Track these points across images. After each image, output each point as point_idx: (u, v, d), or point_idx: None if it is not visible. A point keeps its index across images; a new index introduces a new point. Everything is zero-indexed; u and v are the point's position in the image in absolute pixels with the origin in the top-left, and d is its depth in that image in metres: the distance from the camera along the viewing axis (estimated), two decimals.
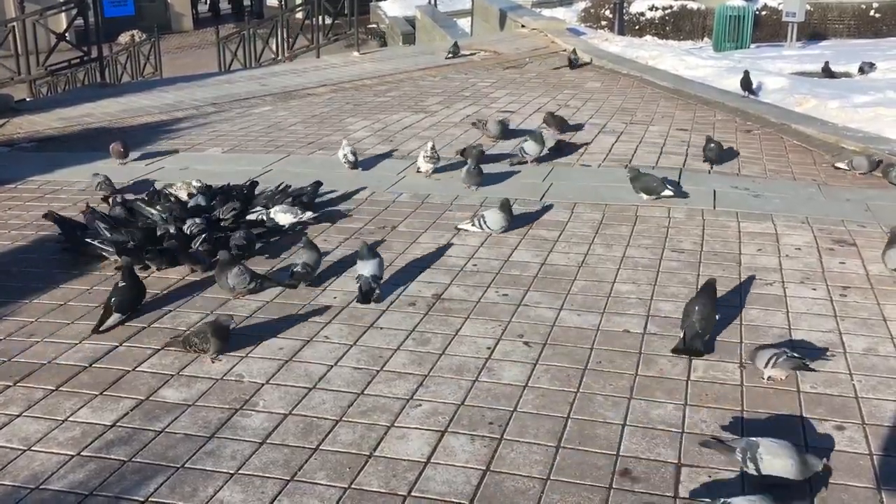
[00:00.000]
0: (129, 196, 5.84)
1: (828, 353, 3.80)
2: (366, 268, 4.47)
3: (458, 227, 5.37)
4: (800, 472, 2.87)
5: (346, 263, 4.89)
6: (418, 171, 6.50)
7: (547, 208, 5.76)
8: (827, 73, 13.02)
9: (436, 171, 6.44)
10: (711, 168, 6.67)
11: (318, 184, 5.86)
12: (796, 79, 11.85)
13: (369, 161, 7.02)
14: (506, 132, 7.57)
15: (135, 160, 7.13)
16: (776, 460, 2.87)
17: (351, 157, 6.69)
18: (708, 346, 3.85)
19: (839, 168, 6.64)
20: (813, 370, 3.59)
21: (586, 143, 7.39)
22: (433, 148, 6.39)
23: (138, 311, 4.30)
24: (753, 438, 2.98)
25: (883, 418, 3.32)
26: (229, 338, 3.85)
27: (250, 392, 3.58)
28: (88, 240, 4.98)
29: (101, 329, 4.12)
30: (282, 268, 4.85)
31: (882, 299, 4.34)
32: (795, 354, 3.56)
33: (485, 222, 5.25)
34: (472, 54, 12.70)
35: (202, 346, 3.79)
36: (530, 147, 6.64)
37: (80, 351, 3.94)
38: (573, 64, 11.44)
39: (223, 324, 3.84)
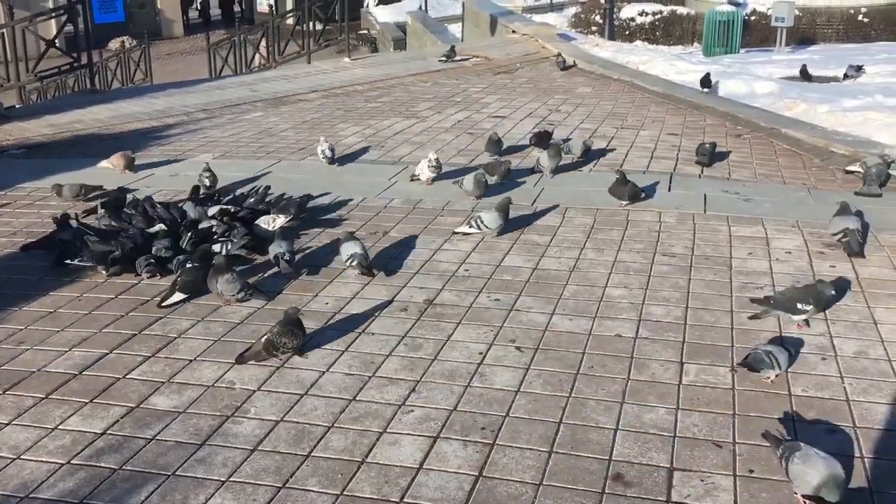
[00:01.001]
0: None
1: (820, 357, 3.81)
2: (355, 247, 4.77)
3: (456, 231, 5.36)
4: (816, 489, 2.80)
5: (335, 270, 4.88)
6: (414, 179, 6.41)
7: (538, 213, 5.76)
8: (804, 76, 13.10)
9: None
10: (703, 170, 6.69)
11: (308, 197, 5.85)
12: (786, 83, 11.91)
13: (360, 166, 7.02)
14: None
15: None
16: (803, 469, 2.84)
17: (328, 153, 6.69)
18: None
19: (851, 172, 6.51)
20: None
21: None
22: (437, 158, 6.27)
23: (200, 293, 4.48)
24: (801, 444, 2.94)
25: (874, 421, 3.33)
26: None
27: (241, 399, 3.56)
28: (67, 260, 4.90)
29: (163, 304, 4.40)
30: (271, 274, 4.83)
31: (872, 302, 4.36)
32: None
33: (482, 222, 5.23)
34: (463, 59, 12.72)
35: (294, 343, 3.81)
36: (544, 160, 6.47)
37: (70, 359, 3.92)
38: (563, 66, 11.73)
39: (297, 316, 3.86)
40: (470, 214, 5.48)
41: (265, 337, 3.82)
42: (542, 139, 7.24)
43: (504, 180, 6.28)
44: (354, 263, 4.75)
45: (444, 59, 12.51)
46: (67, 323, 4.29)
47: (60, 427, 3.38)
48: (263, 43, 16.20)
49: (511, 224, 5.46)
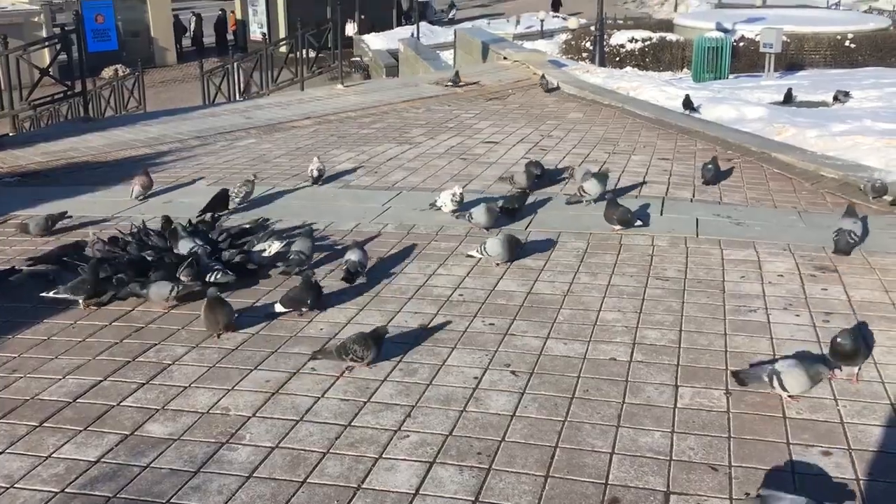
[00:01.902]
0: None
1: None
2: (354, 255, 5.02)
3: (469, 254, 5.40)
4: (810, 383, 3.56)
5: (330, 295, 4.89)
6: (433, 207, 6.23)
7: (532, 238, 5.78)
8: (787, 100, 13.30)
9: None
10: (694, 194, 6.74)
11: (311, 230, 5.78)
12: (775, 108, 12.03)
13: (354, 192, 7.04)
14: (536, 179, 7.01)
15: (118, 193, 7.12)
16: (793, 379, 3.52)
17: (314, 173, 6.64)
18: None
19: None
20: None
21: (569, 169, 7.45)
22: (462, 193, 6.12)
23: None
24: (777, 365, 3.62)
25: (868, 443, 3.34)
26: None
27: (236, 425, 3.55)
28: (43, 293, 4.83)
29: (270, 313, 4.59)
30: (266, 301, 4.84)
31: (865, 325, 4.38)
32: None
33: (484, 249, 5.23)
34: (466, 84, 12.88)
35: (362, 354, 3.90)
36: (590, 186, 6.37)
37: (64, 386, 3.91)
38: (546, 87, 12.11)
39: (382, 332, 3.99)
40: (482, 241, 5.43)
41: (341, 340, 4.02)
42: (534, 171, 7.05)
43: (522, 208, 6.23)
44: (343, 267, 5.05)
45: (450, 83, 12.79)
46: (61, 350, 4.27)
47: (54, 455, 3.36)
48: (240, 76, 16.33)
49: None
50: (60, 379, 3.97)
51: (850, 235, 5.35)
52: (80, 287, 4.76)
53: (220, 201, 6.41)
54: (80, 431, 3.52)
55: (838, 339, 3.78)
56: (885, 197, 6.39)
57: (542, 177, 7.04)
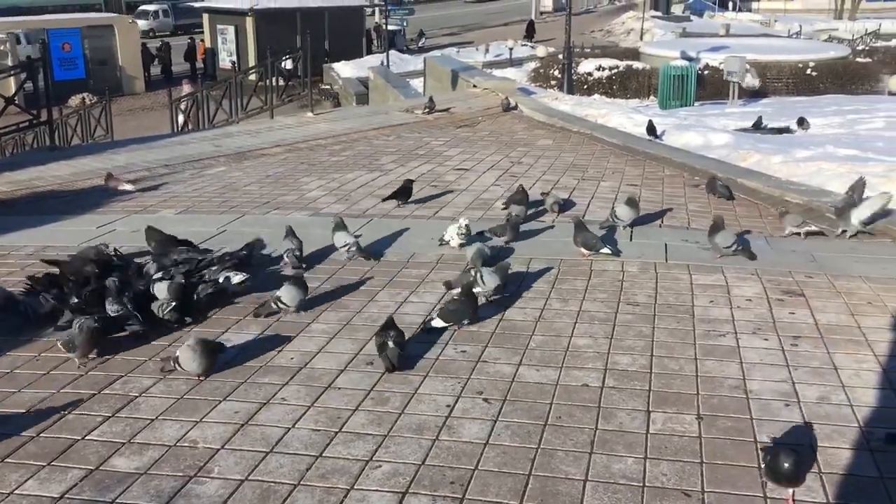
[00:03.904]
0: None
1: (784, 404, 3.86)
2: (349, 237, 5.75)
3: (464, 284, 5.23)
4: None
5: (300, 324, 4.85)
6: (443, 244, 6.08)
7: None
8: (758, 126, 13.56)
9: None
10: (662, 221, 6.81)
11: (254, 245, 5.79)
12: (740, 135, 12.24)
13: (324, 220, 7.01)
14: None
15: (85, 222, 7.03)
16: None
17: (293, 260, 5.73)
18: None
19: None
20: None
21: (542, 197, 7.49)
22: (468, 225, 6.04)
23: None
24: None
25: (839, 467, 3.36)
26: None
27: (205, 458, 3.49)
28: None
29: (429, 328, 4.68)
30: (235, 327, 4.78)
31: (832, 348, 4.43)
32: None
33: (482, 280, 5.08)
34: (442, 110, 12.98)
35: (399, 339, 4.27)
36: (623, 212, 6.38)
37: (27, 421, 3.81)
38: (506, 107, 12.85)
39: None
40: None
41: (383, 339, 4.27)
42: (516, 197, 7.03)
43: (514, 239, 6.19)
44: (353, 250, 5.72)
45: (427, 110, 12.88)
46: (24, 384, 4.18)
47: (17, 492, 3.27)
48: (229, 99, 16.24)
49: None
50: (24, 413, 3.88)
51: (737, 245, 5.77)
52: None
53: (404, 191, 7.26)
54: (44, 467, 3.44)
55: (778, 459, 3.03)
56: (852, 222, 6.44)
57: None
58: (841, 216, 6.41)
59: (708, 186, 7.72)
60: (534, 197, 7.24)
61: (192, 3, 43.32)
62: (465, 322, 4.72)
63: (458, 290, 4.97)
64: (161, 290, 4.94)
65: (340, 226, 5.95)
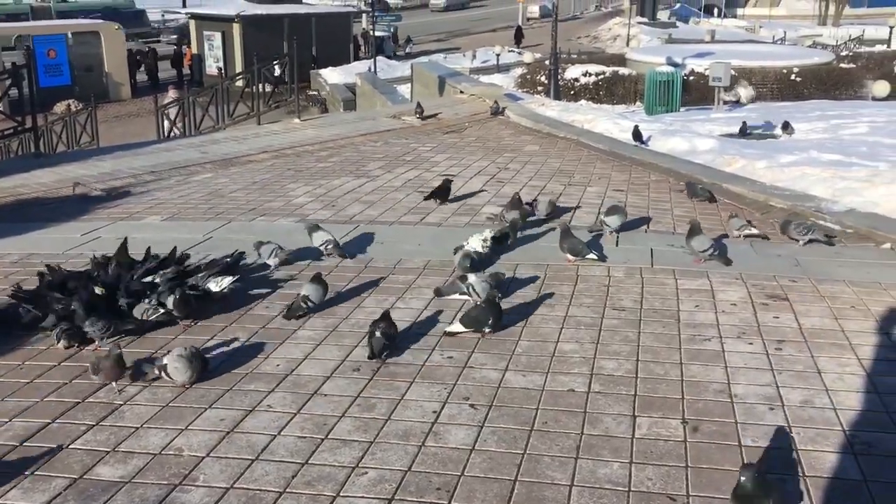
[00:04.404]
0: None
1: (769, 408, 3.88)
2: (327, 235, 6.02)
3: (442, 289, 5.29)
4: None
5: (287, 331, 4.84)
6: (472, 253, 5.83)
7: (487, 270, 5.79)
8: (742, 132, 13.63)
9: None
10: (648, 226, 6.84)
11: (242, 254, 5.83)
12: (725, 140, 12.30)
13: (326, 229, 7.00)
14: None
15: (69, 230, 6.99)
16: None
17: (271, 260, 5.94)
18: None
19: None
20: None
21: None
22: (493, 237, 5.91)
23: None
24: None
25: (823, 470, 3.38)
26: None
27: (190, 466, 3.47)
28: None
29: (447, 330, 4.70)
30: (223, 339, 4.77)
31: (816, 352, 4.46)
32: None
33: (473, 290, 5.08)
34: (430, 115, 13.01)
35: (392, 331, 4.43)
36: (610, 218, 6.47)
37: (10, 429, 3.79)
38: (495, 111, 13.06)
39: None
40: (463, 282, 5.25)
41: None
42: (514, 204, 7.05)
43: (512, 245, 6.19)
44: (331, 247, 5.96)
45: (418, 115, 12.89)
46: (7, 392, 4.15)
47: (1, 501, 3.24)
48: (215, 105, 16.18)
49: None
50: (7, 422, 3.85)
51: (713, 250, 5.82)
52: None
53: (443, 191, 7.49)
54: (27, 476, 3.41)
55: (741, 479, 2.96)
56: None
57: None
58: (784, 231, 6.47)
59: (688, 191, 7.78)
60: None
61: (180, 11, 43.22)
62: (487, 329, 4.69)
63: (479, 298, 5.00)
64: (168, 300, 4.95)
65: (316, 227, 6.22)
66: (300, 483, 3.34)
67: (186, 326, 4.88)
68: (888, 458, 3.45)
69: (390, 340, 4.41)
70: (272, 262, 5.83)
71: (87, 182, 8.62)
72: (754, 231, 6.50)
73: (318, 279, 5.17)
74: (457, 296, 5.18)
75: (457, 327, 4.71)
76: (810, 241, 6.25)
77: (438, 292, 5.26)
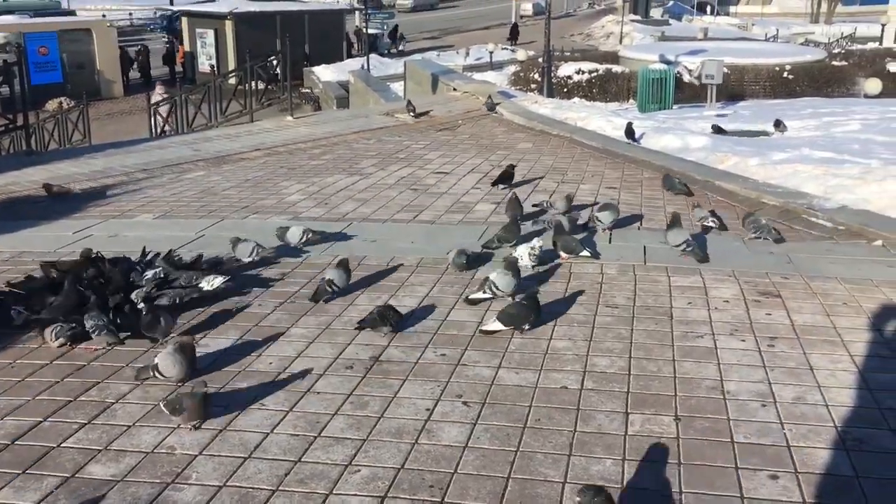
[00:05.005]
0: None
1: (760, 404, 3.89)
2: (298, 232, 6.14)
3: (470, 298, 5.16)
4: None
5: (279, 329, 4.83)
6: (519, 261, 5.50)
7: (480, 267, 5.80)
8: (717, 130, 13.68)
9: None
10: (641, 222, 6.85)
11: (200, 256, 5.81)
12: (718, 137, 12.33)
13: (305, 224, 6.98)
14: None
15: (61, 227, 6.96)
16: None
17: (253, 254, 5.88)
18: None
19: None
20: None
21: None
22: (541, 247, 5.68)
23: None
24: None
25: (815, 466, 3.39)
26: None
27: (183, 464, 3.46)
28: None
29: (483, 328, 4.69)
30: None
31: (808, 349, 4.47)
32: None
33: (496, 287, 5.03)
34: (423, 113, 13.00)
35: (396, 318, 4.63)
36: (604, 216, 6.46)
37: (2, 428, 3.77)
38: (490, 107, 13.11)
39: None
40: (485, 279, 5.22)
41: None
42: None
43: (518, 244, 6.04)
44: (309, 235, 6.13)
45: (411, 112, 12.90)
46: None
47: None
48: (208, 103, 16.14)
49: (455, 279, 5.49)
50: None
51: (696, 243, 5.91)
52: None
53: (508, 176, 8.03)
54: (18, 475, 3.40)
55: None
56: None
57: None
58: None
59: (664, 183, 7.82)
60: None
61: (168, 9, 43.08)
62: (526, 327, 4.66)
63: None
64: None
65: (286, 228, 6.32)
66: (293, 481, 3.34)
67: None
68: (880, 455, 3.46)
69: (382, 318, 4.60)
70: (247, 260, 5.80)
71: (66, 180, 8.59)
72: (709, 223, 6.58)
73: (342, 264, 5.27)
74: (480, 295, 5.11)
75: (494, 325, 4.64)
76: (757, 237, 6.34)
77: (471, 301, 5.13)
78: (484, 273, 5.60)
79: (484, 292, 5.10)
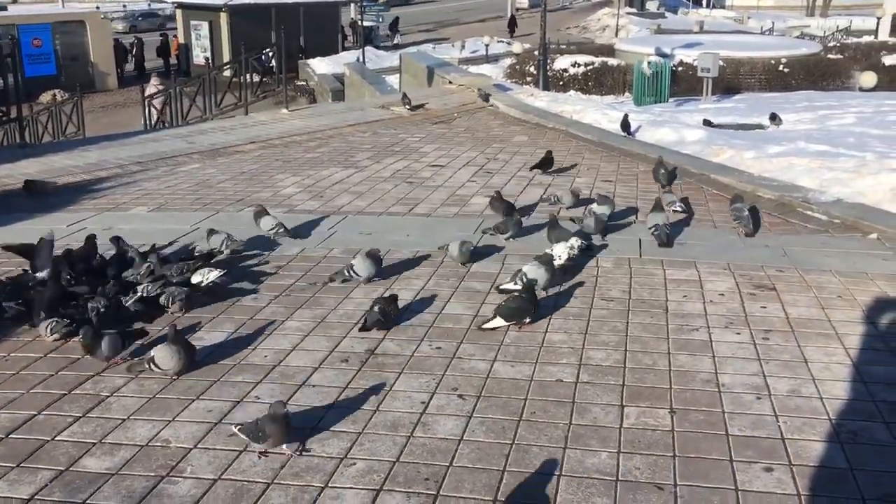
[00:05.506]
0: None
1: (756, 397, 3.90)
2: (273, 220, 6.21)
3: (501, 287, 5.17)
4: None
5: (275, 322, 4.82)
6: (556, 260, 5.39)
7: (477, 261, 5.79)
8: (706, 123, 13.64)
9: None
10: (636, 216, 6.85)
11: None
12: (713, 130, 12.31)
13: (300, 217, 6.98)
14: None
15: (55, 220, 6.94)
16: None
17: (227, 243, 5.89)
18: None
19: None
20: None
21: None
22: (579, 247, 5.60)
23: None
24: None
25: (809, 458, 3.40)
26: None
27: (177, 457, 3.46)
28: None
29: (484, 327, 4.59)
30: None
31: (802, 342, 4.48)
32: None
33: (528, 279, 4.99)
34: (418, 105, 12.98)
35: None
36: (599, 208, 6.45)
37: None
38: (485, 98, 13.29)
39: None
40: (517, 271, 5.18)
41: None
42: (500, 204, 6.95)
43: (516, 236, 6.15)
44: (281, 231, 6.14)
45: (407, 105, 12.86)
46: None
47: None
48: (202, 96, 16.07)
49: (450, 273, 5.49)
50: None
51: (665, 228, 6.02)
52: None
53: (547, 161, 8.35)
54: (13, 468, 3.39)
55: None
56: None
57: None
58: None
59: (654, 174, 7.92)
60: (530, 200, 7.23)
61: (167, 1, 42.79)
62: (527, 320, 4.66)
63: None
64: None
65: (263, 213, 6.37)
66: (288, 474, 3.33)
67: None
68: (874, 447, 3.47)
69: (385, 317, 4.59)
70: (224, 249, 5.82)
71: (60, 173, 8.55)
72: (676, 209, 6.69)
73: (371, 254, 5.35)
74: (511, 286, 5.08)
75: (496, 322, 4.60)
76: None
77: (501, 291, 5.13)
78: (493, 266, 5.61)
79: (515, 283, 5.07)
